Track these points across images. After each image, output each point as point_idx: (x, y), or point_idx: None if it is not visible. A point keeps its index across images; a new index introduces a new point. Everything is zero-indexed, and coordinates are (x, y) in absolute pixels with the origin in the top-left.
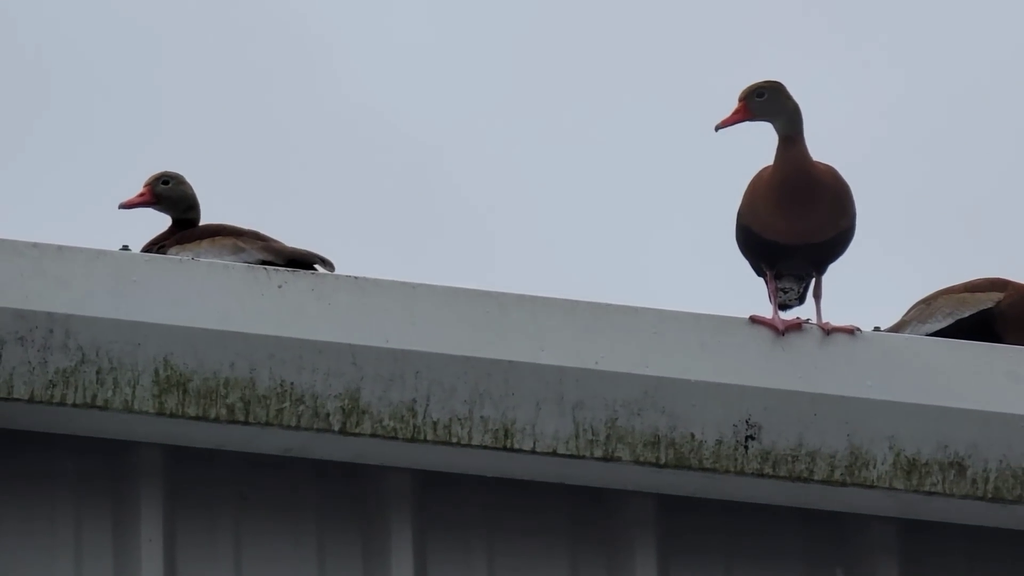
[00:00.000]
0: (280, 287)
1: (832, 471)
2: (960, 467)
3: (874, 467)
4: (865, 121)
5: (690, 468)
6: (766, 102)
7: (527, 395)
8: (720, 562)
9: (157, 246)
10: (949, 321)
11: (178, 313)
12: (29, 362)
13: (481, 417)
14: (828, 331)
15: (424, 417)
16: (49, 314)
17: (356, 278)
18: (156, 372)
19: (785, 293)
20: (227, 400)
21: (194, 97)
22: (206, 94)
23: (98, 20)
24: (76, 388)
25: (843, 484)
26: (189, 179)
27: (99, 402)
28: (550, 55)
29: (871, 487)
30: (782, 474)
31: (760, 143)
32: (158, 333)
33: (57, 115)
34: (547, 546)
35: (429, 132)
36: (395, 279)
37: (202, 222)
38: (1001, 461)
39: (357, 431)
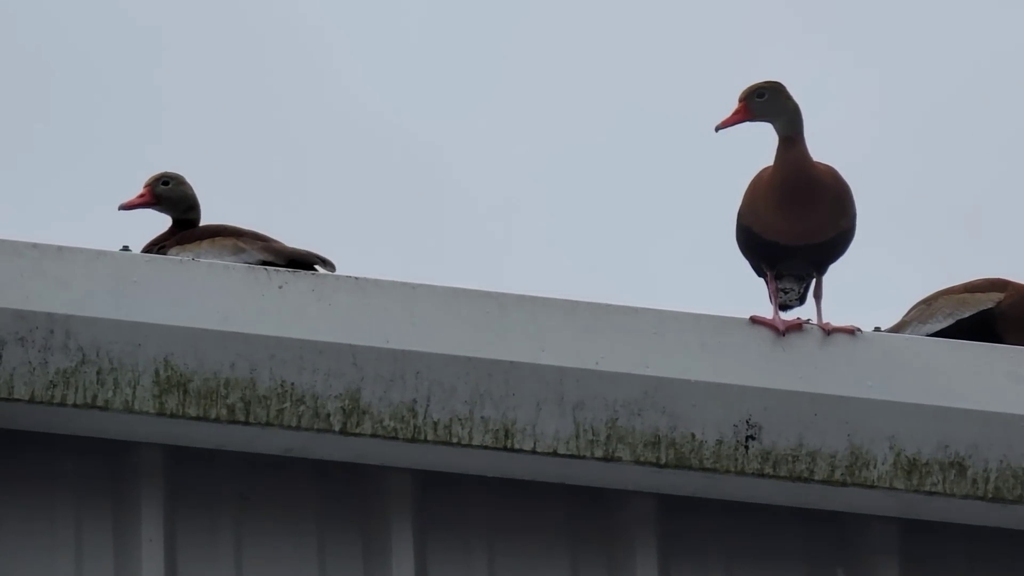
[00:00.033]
0: (280, 287)
1: (833, 471)
2: (960, 467)
3: (875, 467)
4: (858, 121)
5: (690, 468)
6: (766, 102)
7: (527, 395)
8: (720, 562)
9: (157, 247)
10: (950, 321)
11: (178, 314)
12: (29, 362)
13: (481, 417)
14: (829, 331)
15: (425, 417)
16: (49, 315)
17: (356, 278)
18: (156, 372)
19: (786, 293)
20: (227, 400)
21: (196, 97)
22: (208, 94)
23: (99, 20)
24: (76, 388)
25: (843, 484)
26: (191, 179)
27: (99, 402)
28: (551, 56)
29: (871, 487)
30: (782, 474)
31: (760, 144)
32: (158, 333)
33: (59, 116)
34: (547, 546)
35: (432, 131)
36: (395, 279)
37: (203, 222)
38: (1001, 461)
39: (358, 431)
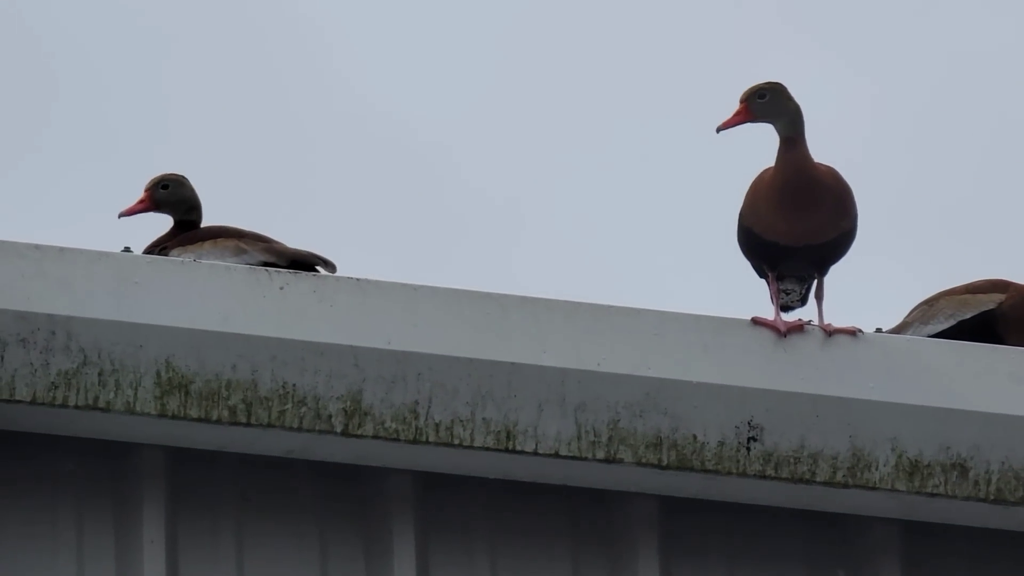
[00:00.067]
0: (282, 289)
1: (834, 473)
2: (962, 469)
3: (876, 469)
4: (850, 123)
5: (692, 470)
6: (767, 103)
7: (529, 397)
8: (722, 564)
9: (159, 248)
10: (951, 323)
11: (180, 315)
12: (31, 364)
13: (483, 419)
14: (830, 332)
15: (426, 419)
16: (51, 316)
17: (358, 280)
18: (158, 374)
19: (787, 295)
20: (229, 402)
21: (202, 98)
22: (214, 95)
23: (105, 21)
24: (78, 390)
25: (845, 486)
26: (196, 180)
27: (101, 404)
28: (554, 59)
29: (873, 489)
30: (784, 476)
31: (761, 145)
32: (160, 335)
33: (64, 117)
34: (549, 548)
35: (438, 131)
36: (397, 280)
37: (207, 223)
38: (1003, 463)
39: (359, 433)
